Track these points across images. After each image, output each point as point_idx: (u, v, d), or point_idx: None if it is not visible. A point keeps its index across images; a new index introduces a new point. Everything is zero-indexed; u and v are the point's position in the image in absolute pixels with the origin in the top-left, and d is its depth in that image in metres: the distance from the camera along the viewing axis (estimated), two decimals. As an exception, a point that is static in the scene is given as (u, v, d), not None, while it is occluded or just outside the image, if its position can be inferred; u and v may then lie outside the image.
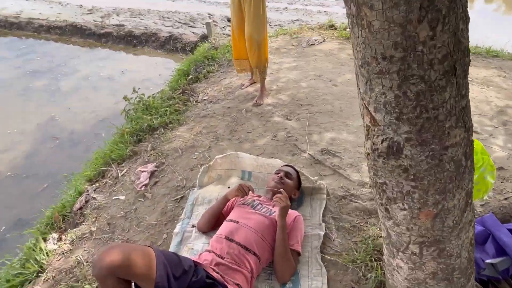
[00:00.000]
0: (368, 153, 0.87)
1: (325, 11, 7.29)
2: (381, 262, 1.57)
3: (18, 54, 6.22)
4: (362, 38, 0.73)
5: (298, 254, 1.67)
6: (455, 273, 1.02)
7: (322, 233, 1.79)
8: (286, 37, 4.62)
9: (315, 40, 4.25)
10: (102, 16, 7.47)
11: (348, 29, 4.58)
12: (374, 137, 0.83)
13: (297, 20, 6.83)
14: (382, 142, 0.80)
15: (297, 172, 2.01)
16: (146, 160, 2.56)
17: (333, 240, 1.78)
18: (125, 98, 3.17)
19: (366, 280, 1.54)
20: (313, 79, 3.43)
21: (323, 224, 1.84)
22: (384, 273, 1.50)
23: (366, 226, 1.81)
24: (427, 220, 0.87)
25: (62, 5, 8.30)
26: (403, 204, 0.88)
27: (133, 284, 1.35)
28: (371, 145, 0.85)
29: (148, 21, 7.10)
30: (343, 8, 6.47)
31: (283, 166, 2.05)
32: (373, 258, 1.61)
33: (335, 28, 4.76)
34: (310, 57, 3.92)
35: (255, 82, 3.31)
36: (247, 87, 3.32)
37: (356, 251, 1.67)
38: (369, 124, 0.83)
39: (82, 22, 6.84)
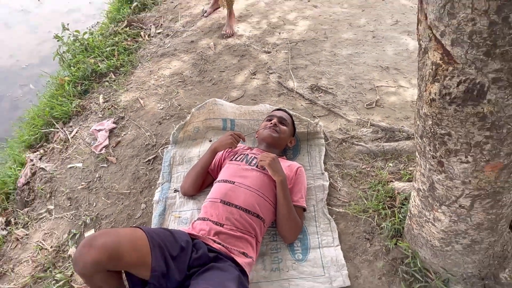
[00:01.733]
0: (432, 99, 0.76)
1: None
2: (394, 209, 1.58)
3: None
4: None
5: (304, 209, 1.63)
6: (501, 222, 1.01)
7: (327, 183, 1.75)
8: None
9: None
10: None
11: None
12: (446, 78, 0.70)
13: None
14: (458, 85, 0.69)
15: (290, 116, 1.90)
16: (100, 116, 2.29)
17: (339, 190, 1.75)
18: (56, 37, 2.71)
19: (381, 230, 1.56)
20: (288, 0, 3.16)
21: (326, 173, 1.79)
22: (400, 221, 1.52)
23: (374, 171, 1.79)
24: (493, 173, 0.81)
25: None
26: (466, 157, 0.81)
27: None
28: (439, 89, 0.73)
29: None
30: None
31: (274, 110, 1.92)
32: (386, 205, 1.61)
33: None
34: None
35: (219, 7, 2.97)
36: (210, 13, 2.99)
37: (366, 200, 1.67)
38: (440, 61, 0.70)
39: None
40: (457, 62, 0.67)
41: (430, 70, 0.74)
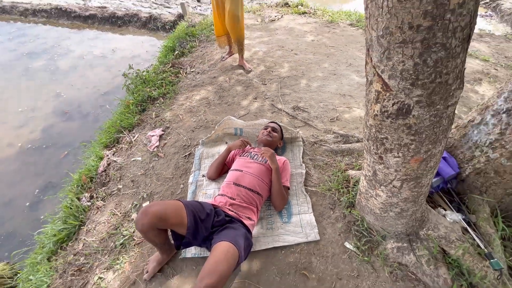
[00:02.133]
0: (375, 114, 0.75)
1: (276, -8, 6.56)
2: (349, 188, 1.57)
3: (9, 37, 5.03)
4: (388, 9, 0.56)
5: (288, 188, 1.62)
6: (421, 197, 1.00)
7: (304, 171, 1.74)
8: (250, 14, 4.12)
9: (275, 16, 3.83)
10: (83, -1, 6.14)
11: (299, 7, 4.17)
12: (385, 101, 0.70)
13: (255, -1, 6.12)
14: (393, 105, 0.68)
15: (280, 126, 1.88)
16: (153, 126, 2.27)
17: (312, 175, 1.74)
18: (124, 74, 2.70)
19: (340, 202, 1.54)
20: (278, 50, 3.14)
21: (303, 165, 1.78)
22: (353, 196, 1.50)
23: (335, 163, 1.78)
24: (415, 164, 0.80)
25: (42, -12, 6.66)
26: (398, 153, 0.80)
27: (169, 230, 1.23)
28: (380, 108, 0.72)
29: (127, 3, 5.99)
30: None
31: (269, 122, 1.90)
32: (343, 186, 1.60)
33: (289, 6, 4.31)
34: (273, 31, 3.56)
35: (233, 54, 2.96)
36: (226, 59, 2.97)
37: (330, 182, 1.65)
38: (380, 89, 0.70)
39: (65, 5, 5.59)
40: (392, 90, 0.67)
41: (374, 95, 0.73)
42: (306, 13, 4.06)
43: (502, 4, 5.44)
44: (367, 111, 0.81)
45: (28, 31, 5.27)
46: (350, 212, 1.45)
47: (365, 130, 0.87)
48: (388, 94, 0.68)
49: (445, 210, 1.33)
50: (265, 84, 2.59)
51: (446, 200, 1.37)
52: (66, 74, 4.15)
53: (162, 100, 2.51)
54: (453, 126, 1.38)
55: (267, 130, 1.77)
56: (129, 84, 2.74)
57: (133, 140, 2.20)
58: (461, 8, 0.51)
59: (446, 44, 0.55)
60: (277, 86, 2.54)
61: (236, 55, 2.83)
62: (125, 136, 2.26)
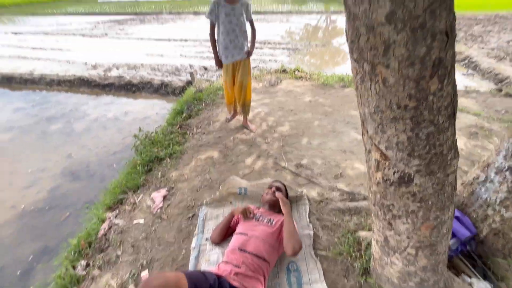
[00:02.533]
0: (378, 182, 0.77)
1: (275, 60, 7.39)
2: (361, 252, 1.47)
3: (33, 104, 5.50)
4: (376, 91, 0.64)
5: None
6: (440, 265, 0.94)
7: (312, 232, 1.66)
8: (252, 79, 4.55)
9: (275, 80, 4.22)
10: (104, 70, 6.93)
11: (296, 72, 4.63)
12: (385, 169, 0.72)
13: (256, 66, 6.85)
14: (394, 174, 0.70)
15: (284, 185, 1.88)
16: (158, 186, 2.29)
17: (321, 237, 1.66)
18: (135, 136, 2.85)
19: (353, 268, 1.43)
20: (279, 110, 3.36)
21: (311, 225, 1.71)
22: (367, 261, 1.40)
23: (343, 223, 1.72)
24: (427, 231, 0.78)
25: (69, 63, 7.60)
26: (406, 220, 0.78)
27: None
28: (382, 176, 0.74)
29: (143, 72, 6.71)
30: (287, 57, 6.58)
31: (273, 181, 1.91)
32: (355, 249, 1.51)
33: (287, 71, 4.80)
34: (274, 94, 3.88)
35: (236, 116, 3.16)
36: (230, 120, 3.15)
37: (341, 245, 1.56)
38: (379, 159, 0.73)
39: (88, 76, 6.27)
40: (390, 160, 0.70)
41: (374, 163, 0.77)
42: (302, 77, 4.49)
43: (481, 64, 6.00)
44: (369, 177, 0.83)
45: (51, 98, 5.79)
46: (365, 280, 1.33)
47: (370, 196, 0.87)
48: (387, 163, 0.71)
49: (470, 277, 1.21)
50: (268, 143, 2.69)
51: (468, 264, 1.26)
52: (80, 135, 4.38)
53: (168, 160, 2.58)
54: (459, 183, 1.37)
55: (272, 189, 1.77)
56: (138, 144, 2.86)
57: (137, 201, 2.18)
58: (440, 91, 0.59)
59: (434, 121, 0.61)
60: (279, 144, 2.63)
61: (240, 117, 3.02)
62: (129, 197, 2.25)
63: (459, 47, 7.08)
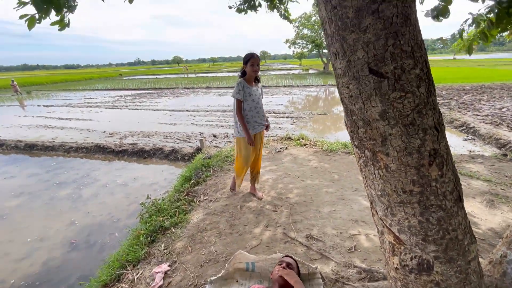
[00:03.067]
0: (396, 268, 0.73)
1: (279, 127, 7.86)
2: None
3: (48, 170, 5.72)
4: (380, 175, 0.67)
5: None
6: None
7: (329, 322, 1.45)
8: (259, 146, 4.76)
9: (281, 148, 4.40)
10: (120, 137, 7.42)
11: (301, 140, 4.86)
12: (402, 254, 0.70)
13: (262, 133, 7.26)
14: (411, 260, 0.67)
15: (295, 261, 1.75)
16: (160, 260, 2.14)
17: (340, 328, 1.44)
18: (142, 204, 2.84)
19: None
20: (286, 177, 3.39)
21: (327, 312, 1.51)
22: None
23: (365, 309, 1.51)
24: (461, 328, 0.69)
25: (89, 131, 8.23)
26: (435, 314, 0.70)
27: None
28: (399, 261, 0.71)
29: (156, 139, 7.14)
30: (291, 124, 7.00)
31: (284, 257, 1.79)
32: None
33: (292, 139, 5.03)
34: (280, 160, 3.98)
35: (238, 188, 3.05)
36: (236, 192, 3.05)
37: None
38: (393, 242, 0.71)
39: (104, 143, 6.68)
40: (405, 244, 0.68)
41: (389, 246, 0.74)
42: (307, 144, 4.68)
43: (479, 129, 6.23)
44: (386, 261, 0.79)
45: (66, 164, 6.05)
46: None
47: (390, 282, 0.81)
48: (403, 247, 0.69)
49: None
50: (276, 211, 2.62)
51: None
52: (86, 201, 4.37)
53: (173, 230, 2.50)
54: (487, 261, 1.26)
55: (282, 265, 1.64)
56: (143, 213, 2.82)
57: (135, 278, 2.02)
58: (442, 177, 0.62)
59: (442, 206, 0.62)
60: (288, 213, 2.56)
61: (243, 184, 3.03)
62: (128, 273, 2.09)
63: (454, 114, 7.50)
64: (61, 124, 9.33)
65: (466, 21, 1.80)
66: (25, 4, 1.46)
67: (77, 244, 3.35)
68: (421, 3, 2.06)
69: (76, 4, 1.70)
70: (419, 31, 0.65)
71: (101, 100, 15.26)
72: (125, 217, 3.80)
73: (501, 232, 2.20)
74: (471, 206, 2.61)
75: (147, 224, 2.64)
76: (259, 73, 2.97)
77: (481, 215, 2.47)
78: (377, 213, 0.74)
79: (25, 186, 4.93)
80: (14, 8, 1.45)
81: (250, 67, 2.46)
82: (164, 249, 2.26)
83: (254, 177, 2.90)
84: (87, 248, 3.31)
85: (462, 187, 3.05)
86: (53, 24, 1.68)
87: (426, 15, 1.62)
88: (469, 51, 2.23)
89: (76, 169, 5.70)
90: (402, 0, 0.60)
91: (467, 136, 6.23)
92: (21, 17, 1.47)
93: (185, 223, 2.59)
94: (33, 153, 6.69)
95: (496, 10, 1.44)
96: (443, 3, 1.63)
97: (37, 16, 1.48)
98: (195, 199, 3.07)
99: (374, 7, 0.60)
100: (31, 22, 1.48)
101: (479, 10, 1.81)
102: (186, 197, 3.12)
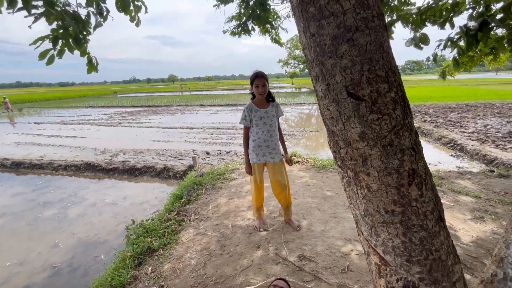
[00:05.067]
0: (383, 290, 0.72)
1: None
2: None
3: (34, 189, 5.53)
4: (362, 195, 0.68)
5: None
6: None
7: None
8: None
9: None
10: (111, 155, 7.31)
11: (294, 157, 4.87)
12: (388, 276, 0.69)
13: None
14: (397, 281, 0.66)
15: (288, 284, 1.69)
16: (146, 284, 2.04)
17: None
18: (127, 228, 2.75)
19: None
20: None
21: (320, 338, 1.44)
22: None
23: (358, 335, 1.45)
24: None
25: (80, 149, 8.09)
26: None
27: None
28: (386, 283, 0.70)
29: (148, 157, 7.06)
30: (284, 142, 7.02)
31: (276, 280, 1.73)
32: None
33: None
34: (272, 178, 3.97)
35: (262, 219, 2.68)
36: (260, 228, 2.61)
37: None
38: (379, 263, 0.70)
39: (94, 161, 6.56)
40: (390, 265, 0.68)
41: (375, 268, 0.73)
42: (299, 161, 4.70)
43: (466, 146, 6.40)
44: (373, 283, 0.77)
45: (53, 182, 5.87)
46: None
47: (379, 305, 0.78)
48: (388, 269, 0.68)
49: None
50: (268, 230, 2.57)
51: None
52: (72, 222, 4.21)
53: (161, 251, 2.40)
54: (478, 281, 1.25)
55: (273, 289, 1.58)
56: (130, 235, 2.72)
57: (119, 305, 1.91)
58: (422, 197, 0.63)
59: (423, 225, 0.63)
60: (280, 232, 2.51)
61: (235, 203, 2.98)
62: (111, 300, 1.98)
63: (441, 131, 7.72)
64: (51, 141, 9.17)
65: (438, 46, 1.92)
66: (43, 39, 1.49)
67: (60, 268, 3.18)
68: (390, 35, 2.19)
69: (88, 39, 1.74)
70: (392, 57, 0.69)
71: (94, 118, 15.18)
72: (112, 238, 3.66)
73: (492, 249, 2.20)
74: (462, 223, 2.62)
75: (134, 245, 2.54)
76: (275, 90, 2.67)
77: (471, 231, 2.47)
78: (362, 233, 0.73)
79: (8, 206, 4.73)
80: (30, 45, 1.46)
81: (255, 88, 2.28)
82: (151, 273, 2.16)
83: (287, 210, 2.62)
84: (70, 272, 3.14)
85: (452, 202, 3.08)
86: (89, 72, 1.75)
87: (407, 44, 1.72)
88: (443, 76, 2.35)
89: (64, 187, 5.54)
90: (374, 29, 0.64)
91: (455, 153, 6.38)
92: (41, 55, 1.48)
93: (174, 244, 2.51)
94: (19, 171, 6.50)
95: (464, 37, 1.54)
96: (420, 33, 1.74)
97: (55, 53, 1.52)
98: (185, 219, 3.00)
99: (349, 35, 0.63)
100: (51, 59, 1.52)
101: (449, 35, 1.93)
102: (176, 216, 3.04)
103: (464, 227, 2.56)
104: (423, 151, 0.69)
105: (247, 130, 2.37)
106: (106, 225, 4.06)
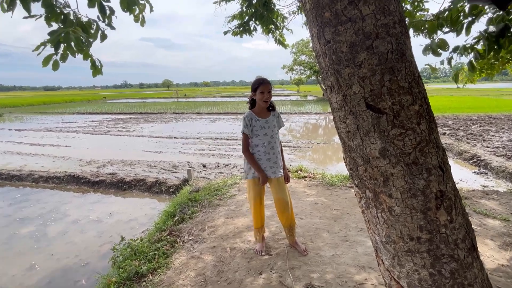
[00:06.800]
0: (409, 331, 0.68)
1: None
2: None
3: (11, 203, 5.49)
4: (384, 219, 0.67)
5: None
6: None
7: None
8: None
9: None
10: (98, 166, 7.30)
11: (299, 172, 4.86)
12: (414, 313, 0.66)
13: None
14: (425, 320, 0.64)
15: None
16: (132, 315, 1.98)
17: None
18: (113, 248, 2.70)
19: None
20: (282, 214, 3.32)
21: None
22: None
23: None
24: None
25: (64, 159, 8.10)
26: None
27: None
28: (412, 322, 0.67)
29: (138, 169, 7.05)
30: (289, 154, 7.02)
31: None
32: None
33: (289, 171, 5.03)
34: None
35: (264, 242, 2.63)
36: (262, 252, 2.56)
37: None
38: (404, 298, 0.68)
39: (79, 172, 6.54)
40: (418, 301, 0.65)
41: (398, 302, 0.71)
42: (306, 177, 4.67)
43: (491, 162, 6.36)
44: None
45: (33, 196, 5.83)
46: None
47: None
48: (414, 304, 0.66)
49: None
50: (271, 255, 2.52)
51: None
52: (51, 241, 4.14)
53: (150, 277, 2.35)
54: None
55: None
56: (116, 257, 2.67)
57: None
58: (451, 223, 0.62)
59: (454, 256, 0.61)
60: (285, 257, 2.46)
61: (234, 224, 2.94)
62: (92, 333, 1.91)
63: (463, 146, 7.71)
64: (32, 150, 9.20)
65: (454, 49, 1.95)
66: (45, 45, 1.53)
67: (35, 294, 3.11)
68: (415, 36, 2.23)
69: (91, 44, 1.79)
70: (416, 66, 0.70)
71: (80, 125, 15.29)
72: (95, 260, 3.59)
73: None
74: (490, 250, 2.56)
75: (121, 269, 2.48)
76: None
77: (501, 260, 2.41)
78: (383, 263, 0.71)
79: (-19, 222, 4.68)
80: (33, 51, 1.50)
81: (260, 95, 2.27)
82: (138, 302, 2.10)
83: (291, 231, 2.56)
84: (46, 299, 3.06)
85: (478, 226, 3.02)
86: (94, 75, 1.80)
87: (424, 50, 1.75)
88: (456, 80, 2.38)
89: (44, 202, 5.49)
90: (396, 36, 0.65)
91: (479, 170, 6.33)
92: (45, 61, 1.53)
93: (165, 268, 2.45)
94: (-4, 183, 6.47)
95: (484, 42, 1.57)
96: (439, 39, 1.77)
97: (58, 57, 1.57)
98: (178, 240, 2.94)
99: (368, 43, 0.64)
100: (55, 64, 1.56)
101: (465, 41, 1.97)
102: (168, 237, 2.99)
103: (493, 254, 2.49)
104: (450, 170, 0.68)
105: (247, 139, 2.36)
106: (89, 245, 3.99)
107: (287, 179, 2.51)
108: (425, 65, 2.30)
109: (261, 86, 2.27)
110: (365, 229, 2.92)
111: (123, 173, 6.65)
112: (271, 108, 2.43)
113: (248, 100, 2.44)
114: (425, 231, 0.61)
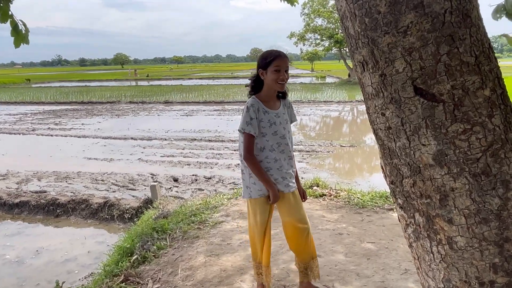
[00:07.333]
0: None
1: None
2: None
3: None
4: (441, 256, 0.67)
5: None
6: None
7: None
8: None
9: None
10: (18, 182, 7.27)
11: (315, 188, 4.89)
12: None
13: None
14: None
15: None
16: None
17: None
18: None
19: None
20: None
21: None
22: None
23: None
24: None
25: (-33, 170, 8.04)
26: None
27: None
28: None
29: (78, 185, 7.03)
30: (300, 162, 7.07)
31: None
32: None
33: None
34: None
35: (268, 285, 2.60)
36: None
37: None
38: None
39: (-9, 190, 6.51)
40: None
41: None
42: (325, 195, 4.68)
43: None
44: None
45: None
46: None
47: None
48: None
49: None
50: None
51: None
52: None
53: None
54: None
55: None
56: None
57: None
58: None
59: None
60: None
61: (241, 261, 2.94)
62: None
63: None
64: None
65: None
66: None
67: None
68: None
69: None
70: (485, 34, 0.70)
71: (-8, 120, 15.20)
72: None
73: None
74: None
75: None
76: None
77: None
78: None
79: None
80: None
81: (274, 74, 2.19)
82: None
83: (303, 269, 2.52)
84: None
85: None
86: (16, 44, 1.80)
87: (496, 13, 1.76)
88: None
89: None
90: (456, -10, 0.66)
91: None
92: None
93: (119, 332, 2.44)
94: None
95: None
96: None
97: None
98: (138, 289, 2.94)
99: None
100: None
101: None
102: (123, 284, 2.98)
103: None
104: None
105: (252, 139, 2.26)
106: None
107: (303, 196, 2.52)
108: (499, 36, 2.31)
109: (277, 59, 2.20)
110: (412, 271, 2.93)
111: (55, 191, 6.63)
112: (280, 94, 2.42)
113: (250, 82, 2.38)
114: (502, 273, 0.62)
